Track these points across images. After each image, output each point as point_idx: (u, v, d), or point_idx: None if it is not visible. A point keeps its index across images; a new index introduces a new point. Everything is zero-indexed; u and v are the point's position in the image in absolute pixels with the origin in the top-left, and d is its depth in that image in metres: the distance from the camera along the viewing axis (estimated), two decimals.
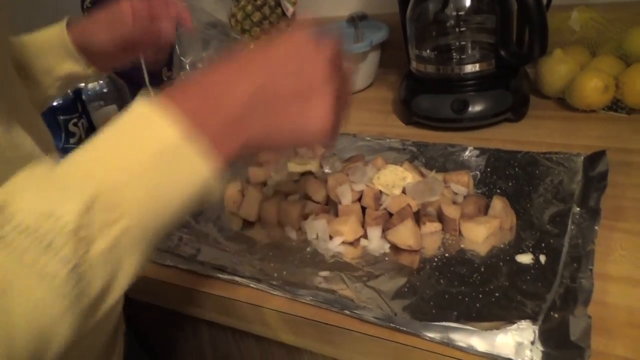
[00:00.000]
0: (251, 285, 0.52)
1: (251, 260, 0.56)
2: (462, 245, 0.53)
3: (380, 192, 0.58)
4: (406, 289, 0.48)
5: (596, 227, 0.50)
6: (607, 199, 0.54)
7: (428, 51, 0.79)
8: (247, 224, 0.63)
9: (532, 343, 0.39)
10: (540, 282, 0.46)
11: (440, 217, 0.55)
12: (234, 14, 1.04)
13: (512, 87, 0.75)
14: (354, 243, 0.56)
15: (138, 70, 0.95)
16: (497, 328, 0.41)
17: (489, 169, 0.65)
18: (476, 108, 0.74)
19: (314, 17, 1.13)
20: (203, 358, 0.67)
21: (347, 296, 0.48)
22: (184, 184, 0.31)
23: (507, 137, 0.73)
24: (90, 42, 0.58)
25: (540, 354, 0.38)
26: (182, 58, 0.87)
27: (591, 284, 0.43)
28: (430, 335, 0.42)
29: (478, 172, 0.64)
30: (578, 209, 0.54)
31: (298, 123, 0.35)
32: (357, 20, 1.02)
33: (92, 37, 0.58)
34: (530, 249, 0.50)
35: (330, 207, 0.60)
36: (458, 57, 0.77)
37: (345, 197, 0.57)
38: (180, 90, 0.34)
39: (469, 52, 0.76)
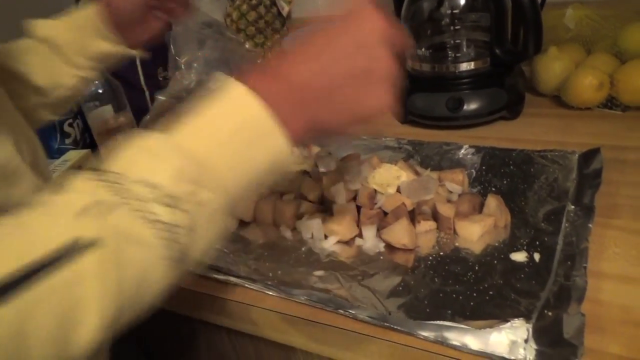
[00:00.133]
0: (246, 285, 0.52)
1: (246, 260, 0.56)
2: (456, 244, 0.53)
3: (375, 191, 0.58)
4: (401, 288, 0.48)
5: (590, 225, 0.50)
6: (602, 197, 0.54)
7: (423, 50, 0.79)
8: (243, 223, 0.63)
9: (526, 341, 0.39)
10: (535, 280, 0.46)
11: (435, 216, 0.55)
12: (229, 13, 1.03)
13: (507, 85, 0.75)
14: (349, 242, 0.56)
15: (134, 71, 0.95)
16: (491, 326, 0.41)
17: (484, 167, 0.65)
18: (471, 106, 0.74)
19: (310, 16, 1.13)
20: (198, 358, 0.67)
21: (342, 295, 0.47)
22: (265, 157, 0.35)
23: (502, 135, 0.73)
24: (116, 9, 0.59)
25: (533, 352, 0.38)
26: (177, 58, 0.87)
27: (585, 281, 0.43)
28: (425, 334, 0.42)
29: (473, 171, 0.64)
30: (572, 206, 0.54)
31: (359, 103, 0.38)
32: None
33: (114, 3, 0.59)
34: (525, 247, 0.50)
35: (325, 206, 0.60)
36: (453, 55, 0.77)
37: (340, 196, 0.57)
38: (256, 70, 0.37)
39: (464, 50, 0.76)
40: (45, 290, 0.26)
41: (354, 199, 0.58)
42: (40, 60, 0.60)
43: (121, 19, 0.60)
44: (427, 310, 0.45)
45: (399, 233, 0.52)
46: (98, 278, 0.28)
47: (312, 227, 0.57)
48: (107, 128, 0.82)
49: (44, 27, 0.60)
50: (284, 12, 1.04)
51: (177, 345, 0.69)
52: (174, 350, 0.70)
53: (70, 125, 0.88)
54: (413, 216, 0.56)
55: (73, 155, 0.84)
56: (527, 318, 0.41)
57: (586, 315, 0.40)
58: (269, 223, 0.61)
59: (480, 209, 0.56)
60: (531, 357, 0.38)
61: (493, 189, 0.60)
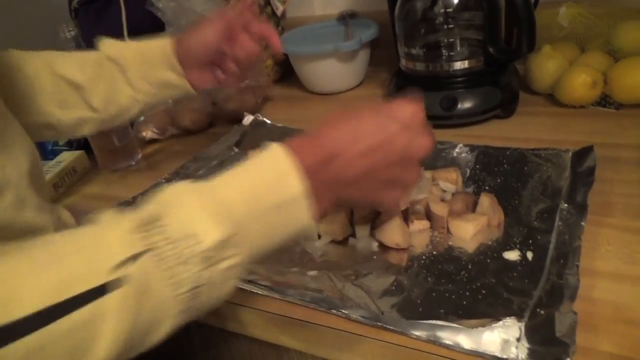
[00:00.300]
0: (239, 285, 0.52)
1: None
2: (450, 243, 0.53)
3: None
4: (394, 288, 0.48)
5: (583, 223, 0.50)
6: (595, 195, 0.54)
7: (417, 49, 0.79)
8: None
9: (518, 340, 0.39)
10: (527, 279, 0.46)
11: (429, 215, 0.55)
12: None
13: (501, 83, 0.75)
14: (342, 242, 0.56)
15: None
16: (483, 325, 0.40)
17: (477, 166, 0.65)
18: (465, 105, 0.74)
19: (305, 15, 1.13)
20: (194, 358, 0.67)
21: (335, 295, 0.47)
22: (291, 230, 0.38)
23: (496, 133, 0.73)
24: (187, 48, 0.63)
25: (525, 351, 0.38)
26: None
27: (577, 280, 0.43)
28: (417, 333, 0.42)
29: (467, 170, 0.64)
30: (566, 205, 0.54)
31: (392, 185, 0.44)
32: (347, 18, 1.02)
33: (187, 42, 0.63)
34: (518, 246, 0.50)
35: None
36: (447, 54, 0.77)
37: None
38: (304, 145, 0.39)
39: (458, 49, 0.76)
40: (64, 328, 0.28)
41: None
42: (103, 75, 0.63)
43: (187, 60, 0.64)
44: (420, 309, 0.45)
45: (393, 232, 0.52)
46: (116, 318, 0.30)
47: None
48: None
49: (114, 46, 0.65)
50: (279, 12, 1.04)
51: (172, 345, 0.69)
52: (169, 350, 0.70)
53: None
54: (406, 215, 0.55)
55: (67, 156, 0.84)
56: (520, 317, 0.41)
57: (578, 314, 0.40)
58: None
59: (473, 208, 0.56)
60: (523, 356, 0.38)
61: (487, 187, 0.60)
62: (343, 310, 0.46)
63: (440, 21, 0.75)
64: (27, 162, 0.49)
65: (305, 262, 0.54)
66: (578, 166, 0.59)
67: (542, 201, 0.55)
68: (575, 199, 0.54)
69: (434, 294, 0.46)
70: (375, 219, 0.56)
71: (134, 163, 0.85)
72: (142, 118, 0.89)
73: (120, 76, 0.64)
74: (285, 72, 1.09)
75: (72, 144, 0.90)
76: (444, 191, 0.59)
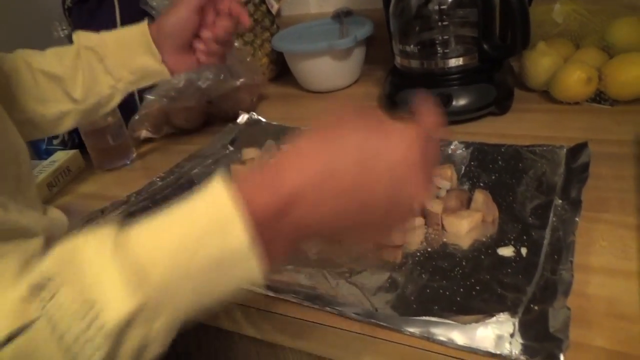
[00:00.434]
0: None
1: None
2: (444, 240, 0.53)
3: None
4: (388, 284, 0.48)
5: (577, 219, 0.50)
6: (590, 191, 0.54)
7: (412, 46, 0.78)
8: None
9: (512, 336, 0.39)
10: (521, 275, 0.46)
11: (423, 212, 0.55)
12: None
13: (496, 80, 0.75)
14: None
15: None
16: (477, 321, 0.40)
17: (472, 163, 0.65)
18: (460, 102, 0.74)
19: (300, 13, 1.13)
20: (189, 358, 0.67)
21: (329, 293, 0.47)
22: (233, 286, 0.30)
23: (491, 130, 0.73)
24: (164, 33, 0.62)
25: (519, 347, 0.38)
26: None
27: (571, 275, 0.43)
28: (411, 329, 0.42)
29: (462, 166, 0.64)
30: (560, 201, 0.54)
31: (367, 237, 0.35)
32: (342, 16, 1.02)
33: (164, 24, 0.62)
34: (512, 242, 0.50)
35: None
36: (442, 51, 0.77)
37: None
38: (258, 182, 0.31)
39: (453, 46, 0.76)
40: None
41: None
42: (81, 66, 0.63)
43: (165, 43, 0.63)
44: (414, 306, 0.45)
45: None
46: None
47: None
48: (95, 128, 0.82)
49: (90, 36, 0.65)
50: (273, 10, 1.04)
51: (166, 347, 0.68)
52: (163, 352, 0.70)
53: None
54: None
55: (61, 155, 0.84)
56: (513, 312, 0.41)
57: (572, 309, 0.40)
58: None
59: (468, 204, 0.56)
60: (517, 352, 0.38)
61: (481, 184, 0.60)
62: (337, 308, 0.46)
63: (434, 18, 0.75)
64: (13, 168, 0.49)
65: (300, 260, 0.53)
66: (572, 162, 0.59)
67: (536, 197, 0.55)
68: (570, 195, 0.54)
69: (428, 291, 0.46)
70: None
71: (128, 162, 0.85)
72: (136, 117, 0.88)
73: (99, 65, 0.63)
74: (281, 71, 1.09)
75: (66, 144, 0.90)
76: (439, 188, 0.58)
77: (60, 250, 0.29)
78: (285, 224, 0.30)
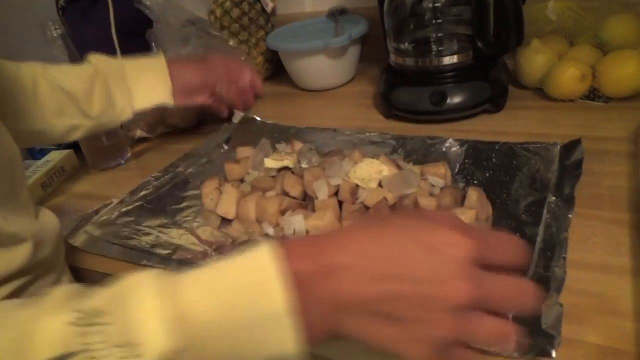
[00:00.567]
0: None
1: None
2: None
3: (357, 186, 0.58)
4: None
5: (570, 216, 0.50)
6: (583, 187, 0.54)
7: (406, 44, 0.78)
8: (225, 220, 0.62)
9: None
10: (514, 272, 0.45)
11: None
12: (212, 10, 1.03)
13: (490, 78, 0.75)
14: None
15: None
16: None
17: (467, 161, 0.65)
18: (454, 100, 0.74)
19: (295, 12, 1.13)
20: None
21: None
22: (265, 351, 0.29)
23: (486, 128, 0.73)
24: (184, 79, 0.72)
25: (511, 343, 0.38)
26: None
27: (564, 272, 0.43)
28: None
29: (457, 164, 0.64)
30: (553, 197, 0.54)
31: (392, 345, 0.30)
32: (337, 14, 1.02)
33: (186, 75, 0.72)
34: None
35: (308, 202, 0.60)
36: (436, 49, 0.76)
37: (322, 191, 0.57)
38: (301, 246, 0.31)
39: (447, 44, 0.76)
40: None
41: (336, 194, 0.58)
42: (97, 86, 0.69)
43: (178, 87, 0.72)
44: None
45: None
46: None
47: (294, 223, 0.56)
48: None
49: (109, 62, 0.70)
50: (268, 9, 1.04)
51: None
52: None
53: None
54: (395, 210, 0.55)
55: (55, 155, 0.83)
56: None
57: (565, 306, 0.40)
58: (251, 220, 0.61)
59: (462, 202, 0.56)
60: (509, 348, 0.38)
61: (475, 181, 0.60)
62: None
63: (429, 16, 0.75)
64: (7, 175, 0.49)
65: None
66: (566, 159, 0.59)
67: (530, 194, 0.55)
68: (563, 192, 0.54)
69: None
70: (363, 214, 0.55)
71: (123, 162, 0.85)
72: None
73: (117, 89, 0.69)
74: (276, 69, 1.09)
75: (60, 143, 0.89)
76: (433, 186, 0.58)
77: (112, 288, 0.30)
78: (323, 291, 0.29)
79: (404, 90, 0.78)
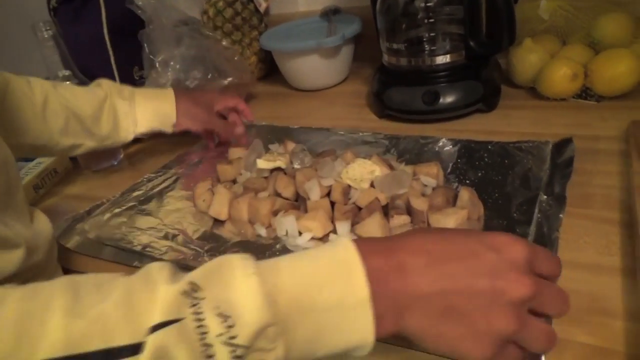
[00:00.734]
0: None
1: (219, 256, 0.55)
2: None
3: (349, 186, 0.58)
4: None
5: (561, 215, 0.50)
6: (574, 186, 0.54)
7: (399, 44, 0.78)
8: (218, 222, 0.62)
9: None
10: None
11: (409, 210, 0.55)
12: (205, 10, 1.02)
13: (483, 77, 0.75)
14: (323, 238, 0.55)
15: (108, 70, 0.94)
16: None
17: (459, 160, 0.65)
18: (447, 99, 0.74)
19: (288, 12, 1.12)
20: None
21: None
22: (344, 339, 0.31)
23: (479, 127, 0.73)
24: (186, 112, 0.76)
25: None
26: (151, 56, 0.85)
27: (559, 261, 0.43)
28: None
29: (450, 164, 0.64)
30: (545, 196, 0.54)
31: (456, 344, 0.32)
32: (330, 14, 1.02)
33: (188, 107, 0.76)
34: None
35: (300, 203, 0.60)
36: (429, 48, 0.76)
37: (314, 192, 0.57)
38: (375, 245, 0.33)
39: (440, 43, 0.76)
40: None
41: (328, 195, 0.58)
42: (106, 111, 0.71)
43: (181, 119, 0.76)
44: None
45: (372, 228, 0.52)
46: None
47: (286, 224, 0.56)
48: None
49: (121, 89, 0.73)
50: (261, 9, 1.04)
51: None
52: None
53: None
54: (387, 211, 0.55)
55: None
56: None
57: None
58: (244, 221, 0.61)
59: (454, 202, 0.56)
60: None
61: (468, 181, 0.60)
62: None
63: (421, 15, 0.75)
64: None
65: None
66: (557, 158, 0.59)
67: (522, 193, 0.56)
68: (554, 191, 0.54)
69: None
70: (356, 215, 0.55)
71: (116, 163, 0.85)
72: None
73: (125, 116, 0.72)
74: (270, 69, 1.09)
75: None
76: (425, 186, 0.58)
77: (208, 265, 0.31)
78: (395, 285, 0.31)
79: (397, 90, 0.78)
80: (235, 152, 0.73)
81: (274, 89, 1.04)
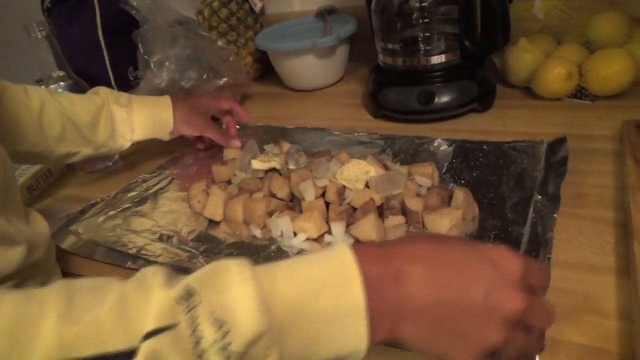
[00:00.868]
0: None
1: (215, 260, 0.55)
2: None
3: (344, 186, 0.58)
4: None
5: (555, 215, 0.50)
6: (569, 186, 0.54)
7: (394, 43, 0.78)
8: (213, 223, 0.62)
9: None
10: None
11: (404, 210, 0.55)
12: (200, 10, 1.02)
13: (478, 77, 0.75)
14: (318, 239, 0.55)
15: (103, 70, 0.94)
16: None
17: (454, 160, 0.65)
18: (442, 99, 0.74)
19: (283, 11, 1.12)
20: None
21: None
22: (338, 346, 0.31)
23: (474, 127, 0.73)
24: (186, 122, 0.76)
25: None
26: (146, 57, 0.85)
27: (548, 273, 0.43)
28: None
29: (445, 164, 0.64)
30: (539, 196, 0.54)
31: (447, 352, 0.32)
32: (325, 14, 1.01)
33: (189, 120, 0.76)
34: (492, 239, 0.50)
35: (295, 203, 0.60)
36: (424, 48, 0.76)
37: (309, 193, 0.57)
38: (372, 252, 0.33)
39: (435, 43, 0.76)
40: None
41: (323, 195, 0.58)
42: (103, 118, 0.71)
43: (178, 126, 0.76)
44: None
45: (367, 229, 0.52)
46: None
47: (281, 224, 0.56)
48: None
49: (120, 98, 0.73)
50: (257, 9, 1.04)
51: None
52: None
53: None
54: (382, 211, 0.55)
55: None
56: None
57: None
58: (239, 222, 0.61)
59: (449, 202, 0.56)
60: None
61: (463, 181, 0.60)
62: None
63: (416, 15, 0.75)
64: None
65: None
66: (552, 157, 0.59)
67: (516, 193, 0.56)
68: (549, 190, 0.54)
69: None
70: (350, 215, 0.55)
71: (110, 164, 0.84)
72: None
73: (123, 124, 0.72)
74: (266, 69, 1.08)
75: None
76: (420, 186, 0.58)
77: (205, 269, 0.31)
78: (389, 295, 0.31)
79: (392, 90, 0.78)
80: (230, 153, 0.73)
81: (270, 89, 1.04)
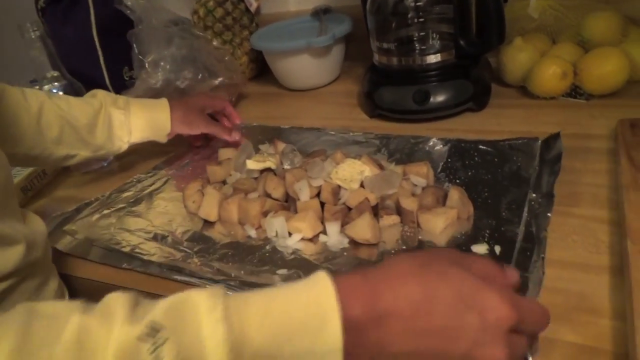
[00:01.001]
0: (207, 286, 0.51)
1: (210, 260, 0.55)
2: (420, 237, 0.53)
3: (339, 186, 0.57)
4: None
5: (549, 214, 0.50)
6: (563, 185, 0.54)
7: (389, 43, 0.78)
8: (208, 223, 0.62)
9: None
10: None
11: (399, 210, 0.55)
12: (196, 10, 1.02)
13: (473, 76, 0.75)
14: (313, 239, 0.55)
15: (98, 70, 0.93)
16: None
17: (449, 160, 0.65)
18: (438, 99, 0.74)
19: (279, 11, 1.12)
20: None
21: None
22: None
23: (469, 126, 0.73)
24: (185, 123, 0.76)
25: None
26: (141, 57, 0.85)
27: (542, 272, 0.43)
28: None
29: (440, 163, 0.64)
30: (534, 194, 0.54)
31: None
32: (321, 13, 1.01)
33: (187, 120, 0.76)
34: (486, 239, 0.50)
35: (290, 203, 0.59)
36: (419, 48, 0.76)
37: (303, 192, 0.57)
38: (358, 288, 0.31)
39: (430, 42, 0.76)
40: None
41: (318, 195, 0.58)
42: (101, 121, 0.71)
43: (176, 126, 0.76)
44: None
45: (362, 228, 0.52)
46: None
47: (276, 225, 0.56)
48: None
49: (117, 100, 0.73)
50: (252, 8, 1.03)
51: None
52: None
53: None
54: (377, 211, 0.55)
55: None
56: None
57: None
58: (234, 222, 0.60)
59: (444, 201, 0.56)
60: None
61: (458, 180, 0.60)
62: None
63: (411, 15, 0.75)
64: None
65: (276, 261, 0.53)
66: (546, 154, 0.60)
67: (511, 192, 0.56)
68: (543, 189, 0.54)
69: None
70: (345, 215, 0.55)
71: (105, 164, 0.84)
72: None
73: (120, 126, 0.72)
74: (261, 69, 1.08)
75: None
76: (415, 185, 0.58)
77: (172, 302, 0.30)
78: (369, 338, 0.30)
79: (387, 90, 0.78)
80: (225, 153, 0.73)
81: (265, 89, 1.04)
